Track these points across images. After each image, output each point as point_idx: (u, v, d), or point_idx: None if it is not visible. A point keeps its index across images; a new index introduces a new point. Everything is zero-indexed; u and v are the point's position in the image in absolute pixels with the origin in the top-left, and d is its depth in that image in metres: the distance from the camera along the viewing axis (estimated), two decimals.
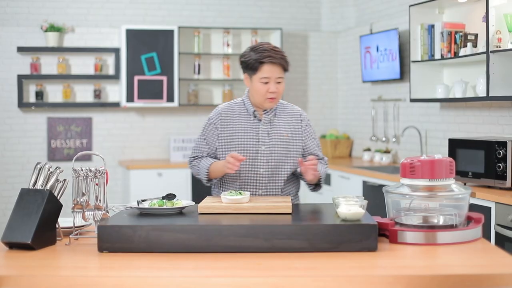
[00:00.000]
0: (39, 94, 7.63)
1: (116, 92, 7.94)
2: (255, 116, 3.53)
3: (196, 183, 7.49)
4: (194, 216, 2.92)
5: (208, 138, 3.58)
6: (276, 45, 3.52)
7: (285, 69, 3.46)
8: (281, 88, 3.45)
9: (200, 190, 7.42)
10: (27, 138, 7.72)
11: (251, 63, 3.44)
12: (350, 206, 2.77)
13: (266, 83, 3.42)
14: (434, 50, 5.78)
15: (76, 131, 7.86)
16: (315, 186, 3.59)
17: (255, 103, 3.54)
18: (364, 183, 6.38)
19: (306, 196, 6.24)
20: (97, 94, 7.84)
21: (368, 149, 7.56)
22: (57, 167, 2.91)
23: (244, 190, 3.50)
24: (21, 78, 7.57)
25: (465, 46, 5.44)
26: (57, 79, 7.73)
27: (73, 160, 2.97)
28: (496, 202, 4.45)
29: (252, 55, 3.43)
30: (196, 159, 3.63)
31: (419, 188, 2.87)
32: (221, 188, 3.62)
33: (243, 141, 3.50)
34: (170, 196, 3.11)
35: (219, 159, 3.54)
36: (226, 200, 3.06)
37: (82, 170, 2.89)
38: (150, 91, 7.76)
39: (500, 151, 4.67)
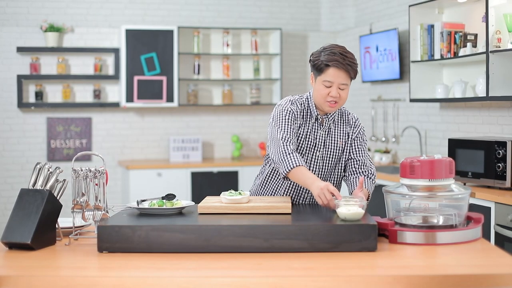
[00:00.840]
0: (39, 94, 7.63)
1: (115, 92, 7.94)
2: (316, 120, 3.42)
3: (195, 183, 7.50)
4: (193, 216, 2.92)
5: (294, 127, 3.36)
6: (349, 51, 3.33)
7: (351, 76, 3.31)
8: (344, 95, 3.31)
9: (199, 190, 7.44)
10: (27, 138, 7.72)
11: (317, 64, 3.30)
12: (350, 206, 2.77)
13: (329, 86, 3.29)
14: (434, 50, 5.79)
15: (76, 131, 7.86)
16: None
17: (319, 107, 3.40)
18: None
19: None
20: (97, 94, 7.84)
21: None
22: (56, 167, 2.91)
23: (291, 193, 3.43)
24: (20, 78, 7.57)
25: (465, 46, 5.45)
26: (57, 79, 7.73)
27: (73, 160, 2.97)
28: (495, 202, 4.46)
29: (321, 56, 3.30)
30: (292, 152, 3.25)
31: (419, 188, 2.87)
32: (269, 182, 3.53)
33: (302, 143, 3.38)
34: (170, 196, 3.11)
35: None
36: (226, 200, 3.06)
37: (82, 170, 2.89)
38: (150, 91, 7.76)
39: (500, 151, 4.67)
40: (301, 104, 3.42)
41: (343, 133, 3.46)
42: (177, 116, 8.17)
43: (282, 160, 3.22)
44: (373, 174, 3.48)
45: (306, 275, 2.31)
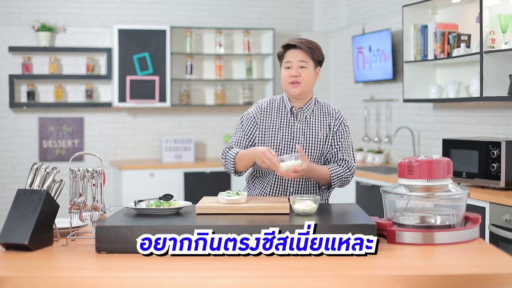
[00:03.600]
0: (31, 94, 7.60)
1: (108, 92, 7.92)
2: (292, 113, 3.48)
3: (188, 183, 7.49)
4: (191, 217, 2.91)
5: (246, 131, 3.50)
6: (310, 39, 3.52)
7: (312, 57, 3.42)
8: (305, 74, 3.40)
9: (192, 190, 7.43)
10: (19, 138, 7.69)
11: (279, 53, 3.50)
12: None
13: (289, 67, 3.42)
14: (427, 51, 5.80)
15: (68, 131, 7.83)
16: (328, 187, 3.53)
17: (287, 94, 3.51)
18: (357, 183, 6.38)
19: None
20: (89, 94, 7.81)
21: (361, 150, 7.57)
22: (53, 168, 2.89)
23: (276, 188, 3.47)
24: (12, 78, 7.54)
25: (459, 46, 5.46)
26: (49, 79, 7.70)
27: (70, 161, 2.95)
28: (490, 202, 4.47)
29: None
30: (229, 150, 3.50)
31: (417, 188, 2.87)
32: (253, 182, 3.57)
33: (278, 137, 3.44)
34: (167, 197, 3.10)
35: None
36: (224, 201, 3.05)
37: (79, 170, 2.87)
38: (142, 91, 7.75)
39: (494, 151, 4.69)
40: (275, 101, 3.55)
41: (323, 124, 3.50)
42: (169, 116, 8.15)
43: (224, 164, 3.49)
44: (348, 168, 3.49)
45: (307, 276, 2.31)
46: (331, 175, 3.41)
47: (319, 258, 2.51)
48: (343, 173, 3.45)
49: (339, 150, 3.49)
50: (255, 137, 3.49)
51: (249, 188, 3.62)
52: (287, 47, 3.44)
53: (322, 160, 3.49)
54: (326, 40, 8.54)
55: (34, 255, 2.63)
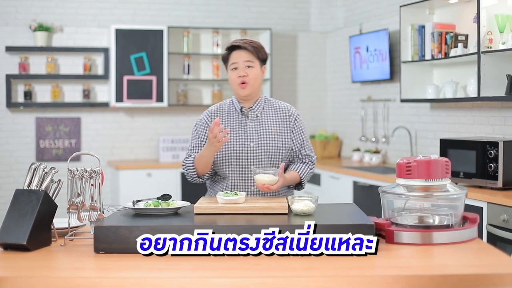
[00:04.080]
0: (28, 94, 7.59)
1: (105, 92, 7.91)
2: (242, 113, 3.54)
3: (185, 183, 7.48)
4: (190, 217, 2.91)
5: (202, 137, 3.57)
6: (252, 39, 3.57)
7: (256, 55, 3.48)
8: (252, 74, 3.47)
9: (189, 190, 7.41)
10: (15, 138, 7.68)
11: (223, 56, 3.55)
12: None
13: (236, 68, 3.47)
14: (425, 51, 5.80)
15: (65, 131, 7.82)
16: (297, 185, 3.63)
17: (236, 96, 3.60)
18: (355, 183, 6.38)
19: None
20: (86, 94, 7.81)
21: (358, 149, 7.57)
22: (52, 168, 2.88)
23: (237, 188, 3.51)
24: (9, 78, 7.53)
25: (456, 46, 5.47)
26: (46, 79, 7.69)
27: (68, 161, 2.95)
28: (488, 202, 4.47)
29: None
30: (187, 158, 3.58)
31: (415, 188, 2.87)
32: (213, 187, 3.62)
33: (232, 139, 3.49)
34: (166, 197, 3.09)
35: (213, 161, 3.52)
36: (222, 201, 3.05)
37: (77, 170, 2.86)
38: (140, 91, 7.74)
39: (492, 151, 4.69)
40: (225, 104, 3.63)
41: (275, 121, 3.56)
42: (166, 116, 8.15)
43: (187, 174, 3.57)
44: (312, 162, 3.64)
45: (306, 276, 2.31)
46: (301, 178, 3.56)
47: (319, 258, 2.51)
48: (309, 170, 3.61)
49: (302, 147, 3.61)
50: None
51: (212, 194, 3.64)
52: (232, 48, 3.50)
53: (278, 155, 3.53)
54: (323, 40, 8.55)
55: (33, 255, 2.62)
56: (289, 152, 3.57)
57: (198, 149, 3.56)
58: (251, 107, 3.56)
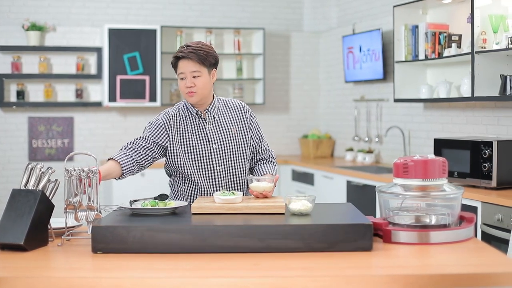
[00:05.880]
0: (20, 94, 7.56)
1: (98, 91, 7.90)
2: (199, 116, 3.51)
3: None
4: (187, 217, 2.91)
5: (153, 134, 3.45)
6: (200, 42, 3.47)
7: (202, 64, 3.39)
8: (199, 83, 3.39)
9: None
10: (8, 138, 7.65)
11: (172, 62, 3.49)
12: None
13: (183, 78, 3.42)
14: (418, 51, 5.82)
15: (58, 131, 7.80)
16: None
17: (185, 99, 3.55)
18: (348, 183, 6.39)
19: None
20: (79, 93, 7.79)
21: (351, 149, 7.58)
22: (48, 167, 2.88)
23: (205, 192, 3.49)
24: (2, 77, 7.51)
25: (449, 46, 5.48)
26: (39, 79, 7.67)
27: (65, 161, 2.94)
28: (482, 202, 4.49)
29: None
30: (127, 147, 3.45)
31: (412, 188, 2.88)
32: (179, 189, 3.57)
33: (193, 143, 3.47)
34: (163, 197, 3.09)
35: (173, 164, 3.48)
36: (219, 200, 3.05)
37: (74, 170, 2.86)
38: (133, 90, 7.73)
39: (486, 151, 4.71)
40: (180, 109, 3.55)
41: (232, 119, 3.58)
42: None
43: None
44: (274, 157, 3.74)
45: (305, 275, 2.31)
46: (273, 175, 3.57)
47: (317, 257, 2.51)
48: (274, 165, 3.68)
49: (261, 142, 3.66)
50: (167, 146, 3.46)
51: (177, 195, 3.59)
52: (178, 58, 3.42)
53: (242, 153, 3.55)
54: (316, 40, 8.56)
55: (30, 255, 2.62)
56: (251, 148, 3.61)
57: (143, 143, 3.42)
58: (207, 109, 3.52)
